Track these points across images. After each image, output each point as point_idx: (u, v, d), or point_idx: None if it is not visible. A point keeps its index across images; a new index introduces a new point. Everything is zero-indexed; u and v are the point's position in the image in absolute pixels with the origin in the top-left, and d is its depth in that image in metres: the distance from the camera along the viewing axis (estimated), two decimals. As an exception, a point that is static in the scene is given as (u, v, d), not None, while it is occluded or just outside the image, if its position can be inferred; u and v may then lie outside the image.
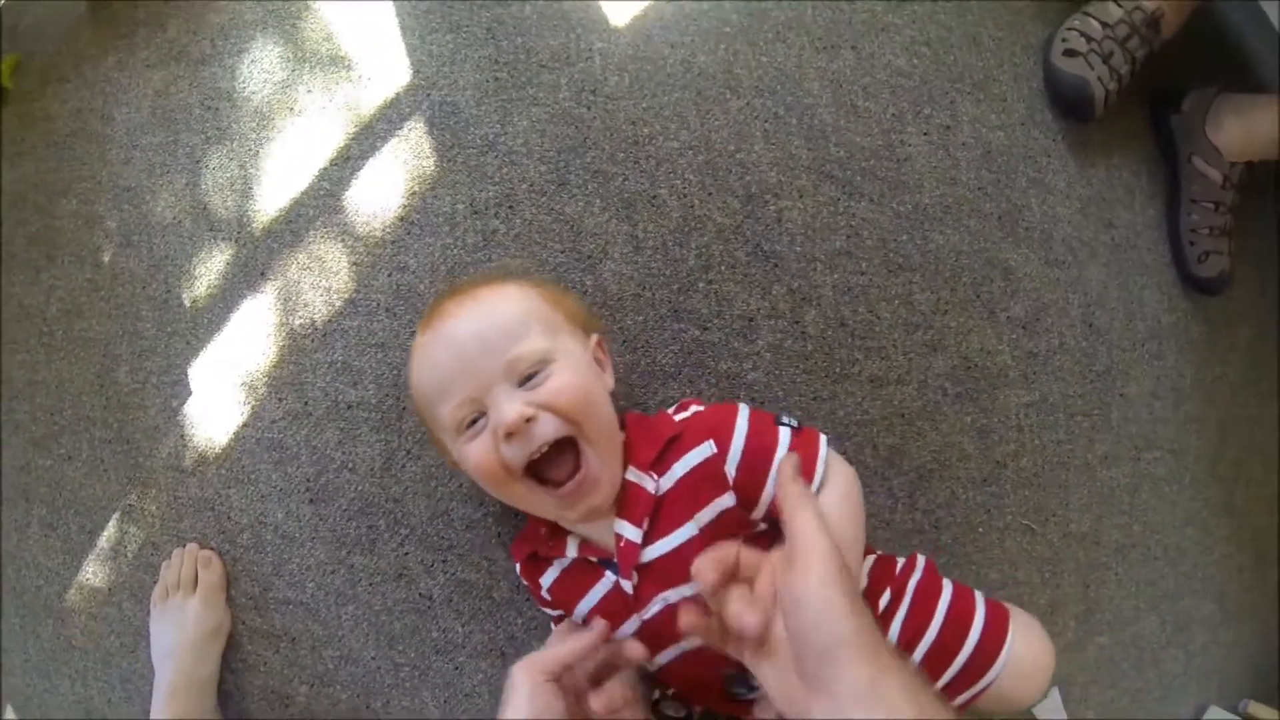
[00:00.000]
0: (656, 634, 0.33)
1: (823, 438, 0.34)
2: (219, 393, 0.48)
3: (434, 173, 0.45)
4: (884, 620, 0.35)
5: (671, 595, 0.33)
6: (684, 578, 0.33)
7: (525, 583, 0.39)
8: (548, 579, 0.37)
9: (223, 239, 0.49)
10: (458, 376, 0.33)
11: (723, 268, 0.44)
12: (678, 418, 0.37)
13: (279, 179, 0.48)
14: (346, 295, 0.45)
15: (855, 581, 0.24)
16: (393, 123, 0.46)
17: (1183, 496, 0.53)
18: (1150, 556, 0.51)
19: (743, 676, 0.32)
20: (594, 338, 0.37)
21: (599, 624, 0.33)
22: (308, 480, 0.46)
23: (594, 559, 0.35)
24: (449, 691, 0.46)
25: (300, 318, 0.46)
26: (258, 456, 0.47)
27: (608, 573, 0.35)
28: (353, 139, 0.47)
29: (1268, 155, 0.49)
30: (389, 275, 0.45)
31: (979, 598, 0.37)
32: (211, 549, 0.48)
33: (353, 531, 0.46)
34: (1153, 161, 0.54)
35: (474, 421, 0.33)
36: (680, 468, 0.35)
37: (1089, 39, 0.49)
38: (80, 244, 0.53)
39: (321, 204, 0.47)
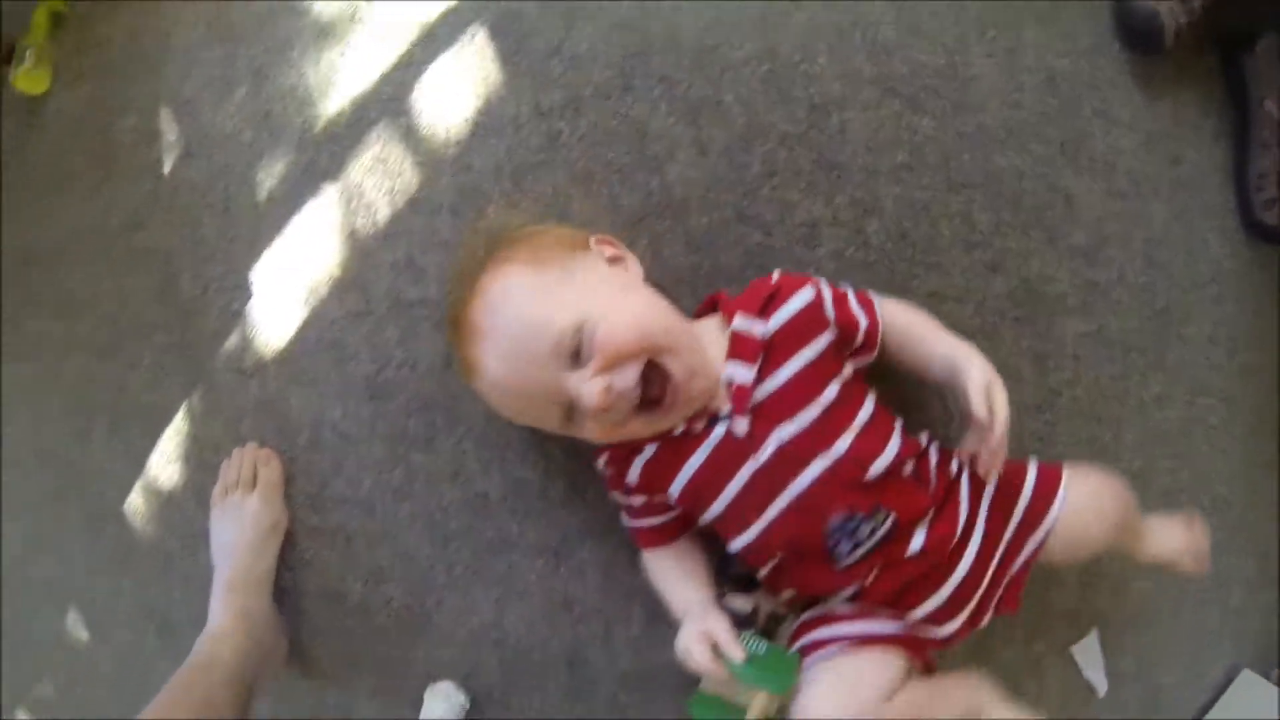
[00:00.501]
0: (769, 479, 0.34)
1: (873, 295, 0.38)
2: (280, 295, 0.48)
3: (498, 77, 0.45)
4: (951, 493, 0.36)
5: (785, 432, 0.34)
6: (794, 410, 0.34)
7: (608, 471, 0.39)
8: (641, 460, 0.36)
9: (284, 145, 0.49)
10: (528, 402, 0.34)
11: (787, 175, 0.43)
12: (769, 280, 0.38)
13: (341, 85, 0.48)
14: (410, 195, 0.45)
15: None
16: (455, 29, 0.46)
17: (1234, 447, 0.53)
18: (1197, 504, 0.50)
19: (849, 526, 0.33)
20: (592, 241, 0.36)
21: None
22: (367, 378, 0.46)
23: (701, 424, 0.35)
24: (501, 589, 0.47)
25: (363, 218, 0.46)
26: (318, 356, 0.47)
27: (716, 429, 0.34)
28: (415, 45, 0.46)
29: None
30: (453, 176, 0.45)
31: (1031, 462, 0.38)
32: (270, 448, 0.48)
33: (411, 429, 0.46)
34: (1222, 102, 0.52)
35: (568, 414, 0.33)
36: (784, 313, 0.36)
37: None
38: (140, 159, 0.53)
39: (384, 108, 0.46)
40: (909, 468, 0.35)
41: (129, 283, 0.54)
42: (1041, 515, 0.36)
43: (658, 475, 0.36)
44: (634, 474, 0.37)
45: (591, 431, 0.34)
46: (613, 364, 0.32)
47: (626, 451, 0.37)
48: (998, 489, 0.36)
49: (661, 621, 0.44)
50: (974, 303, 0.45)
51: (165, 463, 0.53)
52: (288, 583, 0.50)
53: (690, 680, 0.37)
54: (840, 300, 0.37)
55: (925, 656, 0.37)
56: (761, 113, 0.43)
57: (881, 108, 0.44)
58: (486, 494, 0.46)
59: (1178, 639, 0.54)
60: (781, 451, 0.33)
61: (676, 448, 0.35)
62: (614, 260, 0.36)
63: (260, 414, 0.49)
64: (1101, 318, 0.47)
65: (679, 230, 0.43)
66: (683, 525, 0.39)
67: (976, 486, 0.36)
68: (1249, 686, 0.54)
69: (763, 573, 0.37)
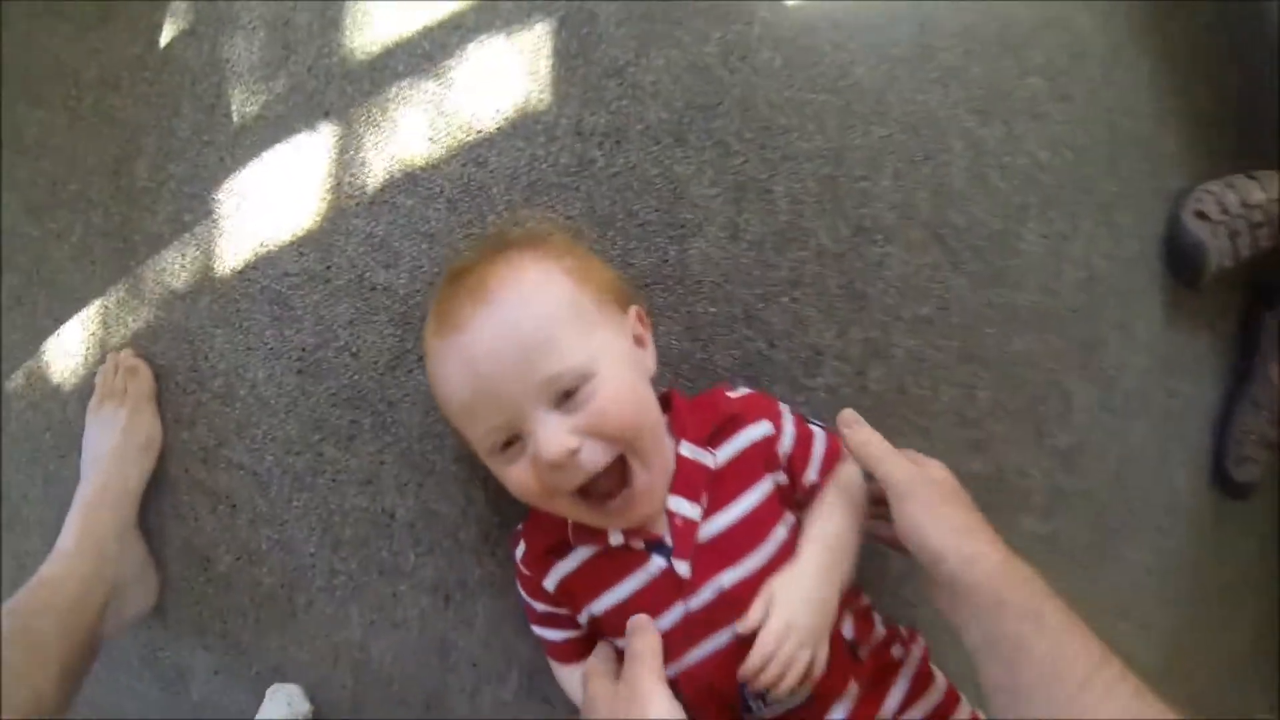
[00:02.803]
0: (700, 624, 0.29)
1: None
2: (237, 224, 0.40)
3: (547, 76, 0.37)
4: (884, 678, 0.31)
5: (725, 579, 0.29)
6: (739, 555, 0.29)
7: (524, 571, 0.33)
8: (563, 569, 0.31)
9: (296, 63, 0.40)
10: (484, 402, 0.27)
11: (810, 291, 0.38)
12: (731, 395, 0.32)
13: (378, 22, 0.39)
14: (410, 169, 0.38)
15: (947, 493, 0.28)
16: (521, 7, 0.38)
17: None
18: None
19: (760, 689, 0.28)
20: (633, 311, 0.31)
21: (643, 620, 0.28)
22: (303, 350, 0.39)
23: (640, 544, 0.29)
24: (379, 614, 0.40)
25: (351, 175, 0.38)
26: (258, 306, 0.39)
27: (654, 557, 0.29)
28: (472, 9, 0.38)
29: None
30: (463, 165, 0.37)
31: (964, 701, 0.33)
32: (141, 358, 0.40)
33: (333, 420, 0.39)
34: (1231, 350, 0.50)
35: (509, 443, 0.27)
36: (738, 443, 0.31)
37: (1224, 209, 0.44)
38: (140, 17, 0.44)
39: (415, 64, 0.39)
40: (847, 626, 0.31)
41: (84, 146, 0.44)
42: (953, 707, 0.32)
43: (578, 590, 0.31)
44: (551, 581, 0.31)
45: (514, 477, 0.28)
46: (593, 433, 0.27)
47: (546, 551, 0.31)
48: (921, 668, 0.32)
49: (536, 695, 0.39)
50: (946, 475, 0.41)
51: (62, 352, 0.44)
52: (154, 525, 0.42)
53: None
54: (803, 441, 0.31)
55: None
56: (807, 217, 0.38)
57: (926, 253, 0.39)
58: (394, 514, 0.39)
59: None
60: (720, 598, 0.29)
61: (606, 566, 0.30)
62: (638, 341, 0.31)
63: (177, 341, 0.41)
64: (1057, 523, 0.44)
65: (683, 311, 0.37)
66: (592, 641, 0.33)
67: (916, 686, 0.32)
68: None
69: None
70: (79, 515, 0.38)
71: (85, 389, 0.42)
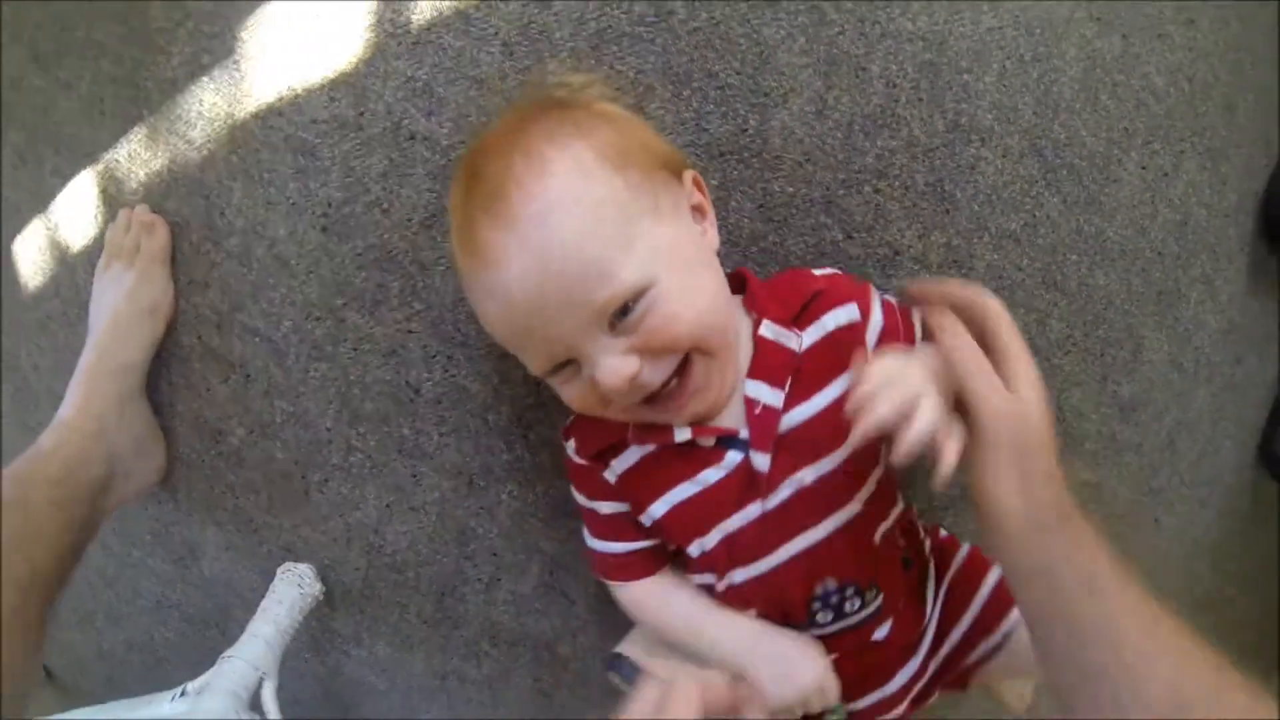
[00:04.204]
0: (777, 526, 0.25)
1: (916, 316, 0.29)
2: (260, 64, 0.34)
3: (629, -93, 0.32)
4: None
5: (807, 475, 0.25)
6: (824, 451, 0.25)
7: (579, 462, 0.28)
8: (623, 464, 0.27)
9: (334, -123, 0.34)
10: (528, 339, 0.23)
11: (897, 184, 0.33)
12: (817, 273, 0.28)
13: None
14: (461, 7, 0.32)
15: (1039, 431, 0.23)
16: None
17: None
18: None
19: (836, 597, 0.25)
20: (688, 177, 0.25)
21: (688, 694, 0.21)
22: (329, 205, 0.34)
23: (711, 441, 0.25)
24: (396, 496, 0.37)
25: (396, 10, 0.33)
26: (281, 156, 0.34)
27: (729, 453, 0.25)
28: None
29: None
30: (523, 4, 0.32)
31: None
32: (158, 216, 0.36)
33: (359, 283, 0.34)
34: None
35: (563, 364, 0.24)
36: (826, 325, 0.26)
37: None
38: None
39: (474, -117, 0.33)
40: (900, 534, 0.28)
41: (93, -20, 0.38)
42: (998, 619, 0.29)
43: (644, 486, 0.27)
44: (613, 475, 0.27)
45: (570, 395, 0.24)
46: (654, 350, 0.23)
47: (601, 442, 0.27)
48: (957, 578, 0.30)
49: (555, 591, 0.37)
50: (1006, 408, 0.37)
51: (70, 213, 0.40)
52: (164, 395, 0.39)
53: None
54: (890, 331, 0.27)
55: None
56: (902, 104, 0.33)
57: (1021, 163, 0.35)
58: (419, 389, 0.35)
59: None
60: (799, 498, 0.25)
61: (673, 461, 0.26)
62: (698, 211, 0.26)
63: (193, 196, 0.36)
64: (1104, 473, 0.41)
65: (758, 188, 0.32)
66: (658, 556, 0.29)
67: (939, 572, 0.30)
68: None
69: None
70: (79, 384, 0.35)
71: (95, 251, 0.38)
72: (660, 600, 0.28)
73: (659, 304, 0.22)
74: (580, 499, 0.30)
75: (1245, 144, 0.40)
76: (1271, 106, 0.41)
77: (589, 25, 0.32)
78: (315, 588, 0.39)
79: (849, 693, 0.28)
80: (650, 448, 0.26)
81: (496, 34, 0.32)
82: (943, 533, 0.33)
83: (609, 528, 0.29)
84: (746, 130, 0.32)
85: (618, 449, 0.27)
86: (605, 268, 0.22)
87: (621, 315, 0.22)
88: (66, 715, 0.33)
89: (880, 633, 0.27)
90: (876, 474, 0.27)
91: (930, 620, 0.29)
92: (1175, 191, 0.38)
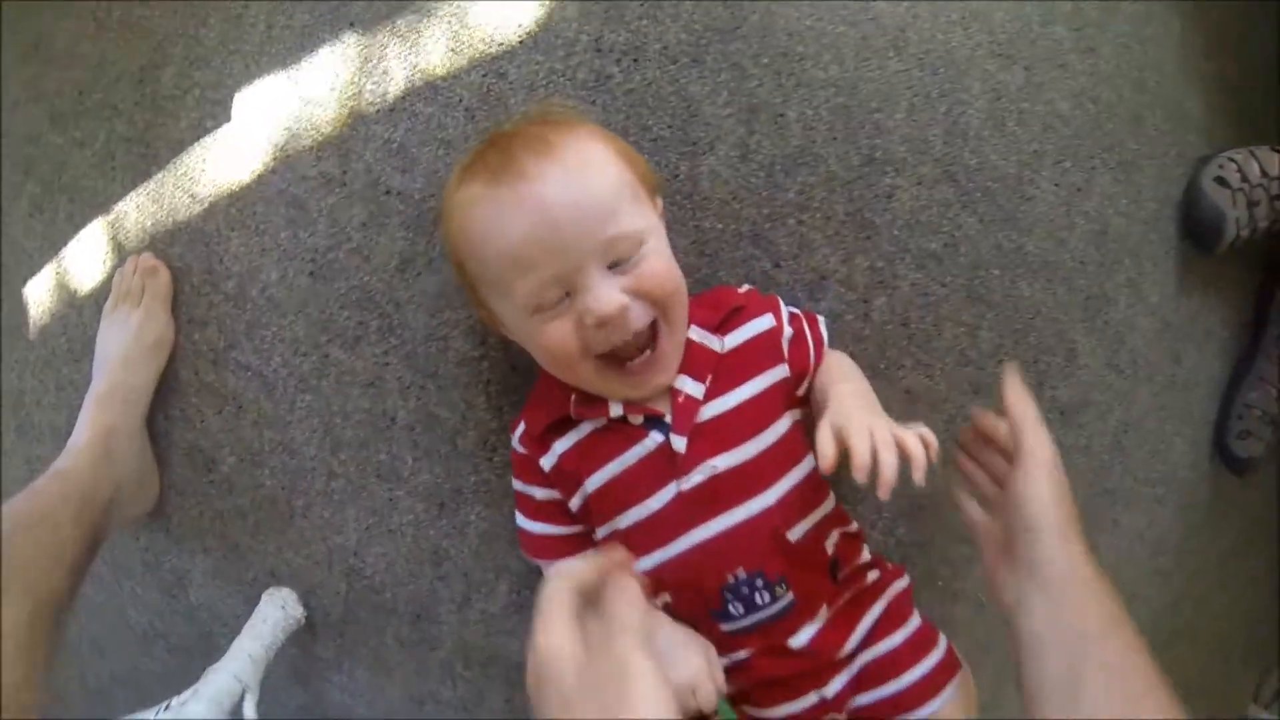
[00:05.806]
0: (690, 508, 0.29)
1: (820, 319, 0.35)
2: (258, 130, 0.40)
3: (570, -5, 0.37)
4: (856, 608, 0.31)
5: (720, 462, 0.29)
6: (735, 442, 0.29)
7: (521, 451, 0.32)
8: (563, 445, 0.31)
9: (323, -24, 0.40)
10: (547, 253, 0.26)
11: (818, 215, 0.37)
12: (737, 290, 0.33)
13: (405, -62, 0.39)
14: (431, 79, 0.37)
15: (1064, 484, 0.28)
16: (547, -71, 0.38)
17: None
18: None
19: (746, 588, 0.28)
20: (659, 202, 0.32)
21: (623, 557, 0.24)
22: (315, 252, 0.39)
23: (640, 419, 0.29)
24: (374, 519, 0.40)
25: (373, 84, 0.38)
26: (274, 209, 0.39)
27: (652, 434, 0.29)
28: (498, -71, 0.38)
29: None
30: (483, 76, 0.37)
31: (941, 640, 0.32)
32: (160, 260, 0.40)
33: (341, 321, 0.39)
34: (1241, 322, 0.48)
35: (554, 303, 0.27)
36: (744, 333, 0.31)
37: (1245, 178, 0.42)
38: (172, -70, 0.44)
39: (440, -21, 0.39)
40: (831, 543, 0.30)
41: (112, 55, 0.45)
42: (922, 699, 0.30)
43: (576, 466, 0.30)
44: (548, 460, 0.31)
45: (552, 335, 0.27)
46: (640, 294, 0.27)
47: (546, 430, 0.31)
48: (904, 643, 0.30)
49: (523, 609, 0.39)
50: (946, 415, 0.40)
51: (80, 258, 0.45)
52: (161, 428, 0.42)
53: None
54: (798, 339, 0.32)
55: None
56: (819, 143, 0.37)
57: (936, 189, 0.39)
58: (394, 417, 0.39)
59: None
60: (712, 483, 0.29)
61: (605, 440, 0.30)
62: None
63: (194, 244, 0.41)
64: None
65: (690, 226, 0.37)
66: (583, 542, 0.32)
67: (887, 621, 0.31)
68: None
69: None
70: (90, 411, 0.38)
71: (101, 294, 0.42)
72: None
73: (651, 258, 0.27)
74: (518, 485, 0.33)
75: (1158, 155, 0.44)
76: (1181, 116, 0.45)
77: (539, 91, 0.37)
78: (298, 610, 0.41)
79: (759, 698, 0.29)
80: (588, 429, 0.30)
81: (460, 101, 0.37)
82: (890, 565, 0.33)
83: (540, 512, 0.32)
84: (679, 175, 0.37)
85: (561, 429, 0.30)
86: (617, 210, 0.27)
87: (618, 261, 0.27)
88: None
89: (798, 640, 0.29)
90: (797, 473, 0.29)
91: (858, 660, 0.30)
92: (1090, 204, 0.42)
